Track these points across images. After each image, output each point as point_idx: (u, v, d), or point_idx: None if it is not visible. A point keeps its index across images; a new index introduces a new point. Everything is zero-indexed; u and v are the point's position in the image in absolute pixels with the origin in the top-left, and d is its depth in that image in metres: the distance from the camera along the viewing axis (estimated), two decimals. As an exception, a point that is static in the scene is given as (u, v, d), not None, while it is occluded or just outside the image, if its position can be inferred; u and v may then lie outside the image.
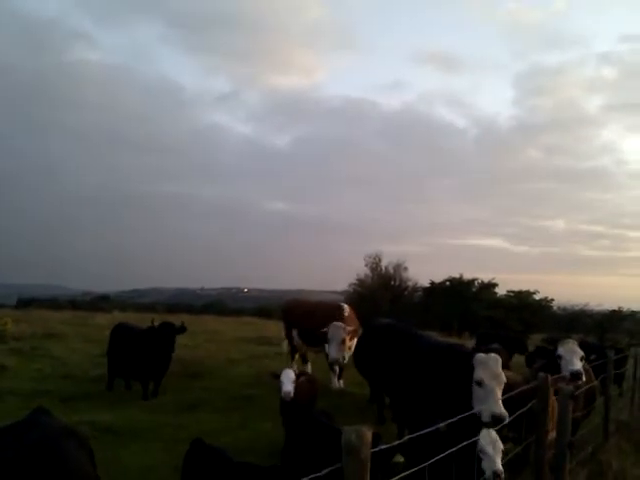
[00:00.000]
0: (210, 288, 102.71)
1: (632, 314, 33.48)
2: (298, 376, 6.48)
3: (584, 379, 6.28)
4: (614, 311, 32.98)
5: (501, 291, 34.17)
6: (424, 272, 35.95)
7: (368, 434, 2.51)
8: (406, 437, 3.74)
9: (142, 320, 12.31)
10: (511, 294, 33.45)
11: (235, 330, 20.44)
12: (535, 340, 16.34)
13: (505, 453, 4.14)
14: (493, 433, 3.97)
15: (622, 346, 14.00)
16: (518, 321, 30.43)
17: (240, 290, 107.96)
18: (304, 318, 11.44)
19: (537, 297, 33.22)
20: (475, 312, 31.20)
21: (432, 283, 34.40)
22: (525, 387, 5.39)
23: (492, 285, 34.22)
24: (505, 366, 5.38)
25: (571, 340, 6.74)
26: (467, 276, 34.23)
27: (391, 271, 34.58)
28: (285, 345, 12.48)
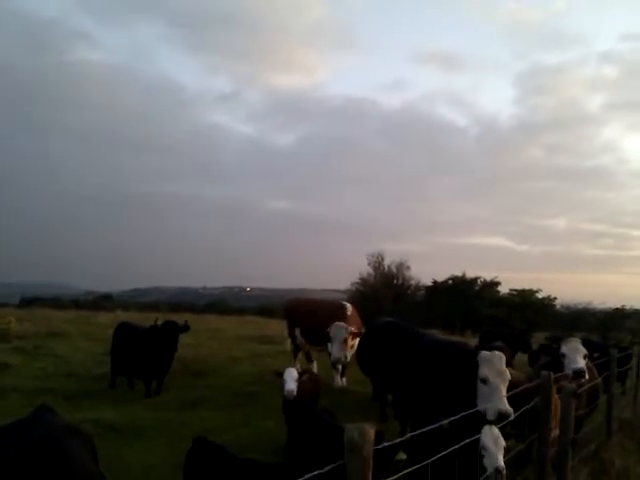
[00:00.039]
0: (212, 287, 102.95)
1: (635, 312, 33.38)
2: (301, 375, 6.48)
3: (587, 377, 6.27)
4: (617, 309, 32.85)
5: (504, 290, 34.14)
6: (426, 271, 36.19)
7: (370, 432, 2.52)
8: (408, 435, 3.74)
9: (145, 319, 12.34)
10: (514, 292, 33.39)
11: (237, 329, 20.46)
12: (538, 339, 16.30)
13: (507, 450, 4.14)
14: (495, 430, 3.97)
15: (625, 344, 13.98)
16: (521, 320, 30.37)
17: (242, 289, 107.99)
18: (306, 317, 11.44)
19: (540, 295, 33.15)
20: (478, 311, 31.14)
21: (434, 282, 34.33)
22: (528, 385, 5.39)
23: (495, 284, 34.14)
24: (508, 364, 5.37)
25: (574, 338, 6.73)
26: (469, 275, 34.22)
27: (394, 270, 34.54)
28: (288, 344, 12.50)
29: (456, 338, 14.43)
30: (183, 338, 10.14)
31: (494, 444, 3.82)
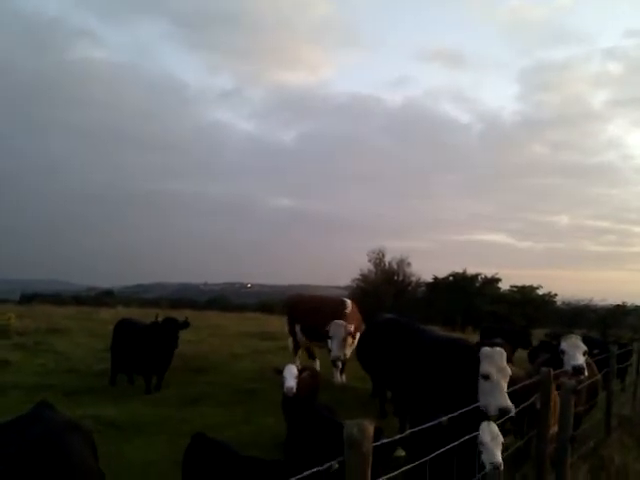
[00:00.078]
0: (213, 283, 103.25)
1: (636, 309, 33.40)
2: (300, 371, 6.50)
3: (586, 374, 6.27)
4: (618, 306, 32.88)
5: (504, 286, 34.21)
6: (428, 267, 36.30)
7: (370, 428, 2.53)
8: (408, 431, 3.75)
9: (146, 315, 12.36)
10: (514, 289, 33.45)
11: (238, 325, 20.49)
12: (538, 335, 16.29)
13: (506, 447, 4.15)
14: (493, 426, 3.97)
15: (625, 341, 13.98)
16: (521, 316, 30.43)
17: (243, 285, 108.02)
18: (307, 313, 11.45)
19: (540, 292, 33.24)
20: (478, 307, 31.17)
21: (435, 278, 34.39)
22: (528, 381, 5.40)
23: (495, 280, 34.18)
24: (508, 360, 5.37)
25: (574, 335, 6.73)
26: (470, 271, 34.25)
27: (394, 266, 34.62)
28: (290, 341, 12.51)
29: (457, 335, 14.46)
30: (184, 334, 10.15)
31: (492, 440, 3.82)
